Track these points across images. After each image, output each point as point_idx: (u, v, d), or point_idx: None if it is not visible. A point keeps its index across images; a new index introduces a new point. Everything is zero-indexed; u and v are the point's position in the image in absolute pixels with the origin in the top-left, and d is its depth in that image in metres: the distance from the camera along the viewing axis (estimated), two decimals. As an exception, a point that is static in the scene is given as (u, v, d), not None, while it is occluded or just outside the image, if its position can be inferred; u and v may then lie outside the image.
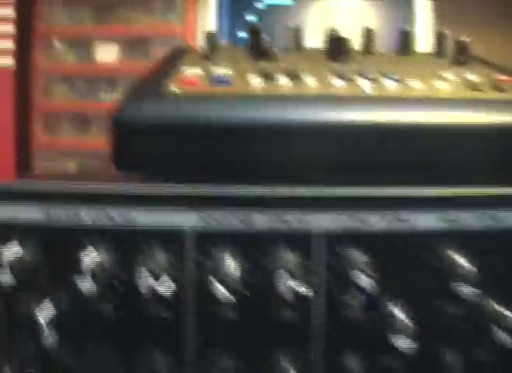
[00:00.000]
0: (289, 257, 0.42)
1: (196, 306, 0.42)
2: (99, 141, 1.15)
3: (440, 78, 0.58)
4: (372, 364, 0.43)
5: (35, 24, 1.17)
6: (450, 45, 0.71)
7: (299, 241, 0.42)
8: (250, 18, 1.29)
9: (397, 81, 0.56)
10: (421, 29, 1.20)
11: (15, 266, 0.41)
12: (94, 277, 0.40)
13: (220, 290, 0.39)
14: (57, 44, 1.13)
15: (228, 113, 0.49)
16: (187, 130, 0.48)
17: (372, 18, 1.33)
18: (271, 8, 1.33)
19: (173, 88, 0.51)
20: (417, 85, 0.54)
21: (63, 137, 1.16)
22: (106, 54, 1.11)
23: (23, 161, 1.14)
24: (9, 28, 1.13)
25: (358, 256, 0.42)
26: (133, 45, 1.11)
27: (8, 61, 1.10)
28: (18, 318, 0.43)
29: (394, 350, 0.41)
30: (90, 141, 1.14)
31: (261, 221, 0.42)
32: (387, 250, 0.43)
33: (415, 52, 0.73)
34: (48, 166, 1.16)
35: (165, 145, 0.48)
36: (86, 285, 0.40)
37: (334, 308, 0.42)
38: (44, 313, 0.42)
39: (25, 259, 0.42)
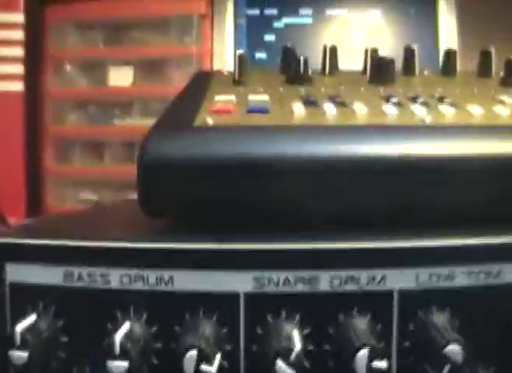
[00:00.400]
0: (361, 324, 0.34)
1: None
2: (113, 168, 1.07)
3: (498, 101, 0.50)
4: None
5: (45, 47, 1.10)
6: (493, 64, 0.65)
7: (376, 301, 0.35)
8: (269, 38, 1.23)
9: (453, 106, 0.48)
10: (444, 46, 1.14)
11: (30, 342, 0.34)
12: (126, 354, 0.32)
13: (280, 368, 0.32)
14: (68, 68, 1.06)
15: (270, 147, 0.41)
16: (225, 168, 0.41)
17: (392, 36, 1.27)
18: (290, 27, 1.26)
19: (206, 118, 0.44)
20: (477, 111, 0.47)
21: (75, 164, 1.09)
22: (120, 77, 1.05)
23: (34, 193, 1.07)
24: (18, 51, 1.07)
25: (441, 318, 0.34)
26: (148, 68, 1.04)
27: (17, 86, 1.03)
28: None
29: None
30: (104, 168, 1.07)
31: (327, 281, 0.35)
32: (472, 309, 0.35)
33: (458, 72, 0.67)
34: (61, 196, 1.09)
35: (201, 187, 0.40)
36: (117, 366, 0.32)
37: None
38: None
39: (41, 333, 0.35)
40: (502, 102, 0.52)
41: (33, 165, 1.13)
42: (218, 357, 0.33)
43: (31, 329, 0.35)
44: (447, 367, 0.33)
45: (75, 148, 1.12)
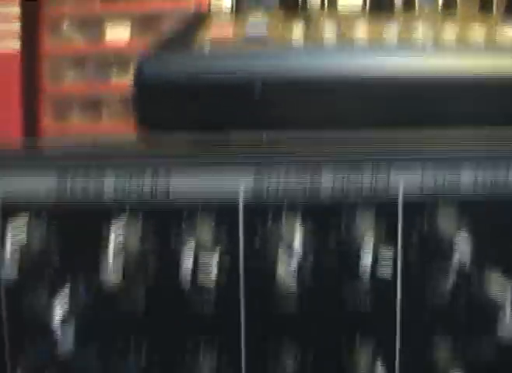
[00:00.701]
0: (368, 225, 0.33)
1: (250, 289, 0.34)
2: (111, 126, 1.06)
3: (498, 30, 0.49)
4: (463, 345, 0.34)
5: (41, 5, 1.08)
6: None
7: (382, 205, 0.33)
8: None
9: (454, 31, 0.47)
10: None
11: (25, 252, 0.33)
12: (124, 260, 0.31)
13: (284, 266, 0.30)
14: (65, 25, 1.04)
15: (268, 63, 0.40)
16: (224, 85, 0.39)
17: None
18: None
19: (204, 40, 0.42)
20: (477, 34, 0.46)
21: (73, 123, 1.07)
22: (118, 33, 1.02)
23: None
24: (15, 9, 1.04)
25: (450, 222, 0.33)
26: (145, 23, 1.02)
27: (14, 44, 1.01)
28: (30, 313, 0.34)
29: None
30: (102, 126, 1.05)
31: (330, 181, 0.33)
32: (483, 215, 0.34)
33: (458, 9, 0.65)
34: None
35: (198, 104, 0.39)
36: (114, 268, 0.31)
37: (419, 286, 0.34)
38: (60, 307, 0.32)
39: (34, 243, 0.33)
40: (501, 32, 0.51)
41: (31, 125, 1.11)
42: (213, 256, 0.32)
43: (23, 244, 0.33)
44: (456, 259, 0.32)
45: (73, 107, 1.11)
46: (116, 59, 1.08)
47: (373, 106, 0.39)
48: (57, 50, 1.11)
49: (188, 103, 0.39)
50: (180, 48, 0.42)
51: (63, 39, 1.10)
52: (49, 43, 1.11)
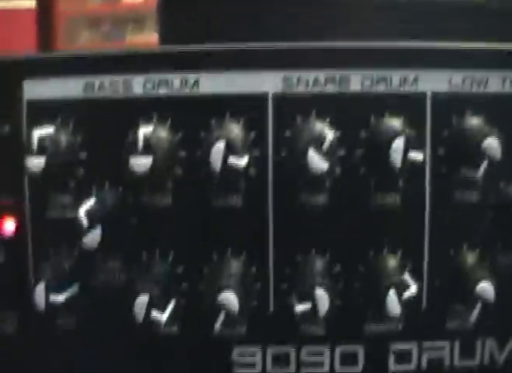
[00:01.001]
0: (394, 123, 0.32)
1: (280, 186, 0.33)
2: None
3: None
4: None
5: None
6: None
7: (408, 103, 0.33)
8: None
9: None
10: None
11: (53, 148, 0.32)
12: (150, 151, 0.31)
13: (313, 157, 0.30)
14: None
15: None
16: None
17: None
18: None
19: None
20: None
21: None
22: (133, -7, 1.02)
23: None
24: (30, -32, 1.04)
25: (479, 122, 0.32)
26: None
27: (29, 3, 1.01)
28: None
29: None
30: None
31: (357, 80, 0.33)
32: (507, 115, 0.33)
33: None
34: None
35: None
36: (142, 163, 0.31)
37: (448, 183, 0.33)
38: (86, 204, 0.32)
39: (60, 144, 0.33)
40: None
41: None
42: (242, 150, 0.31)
43: (49, 139, 0.33)
44: (484, 163, 0.31)
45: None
46: (131, 18, 1.08)
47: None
48: (72, 9, 1.11)
49: (213, 15, 0.39)
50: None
51: (79, -2, 1.10)
52: (64, 2, 1.11)
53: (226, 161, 0.31)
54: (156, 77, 0.34)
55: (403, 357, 0.35)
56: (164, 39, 0.40)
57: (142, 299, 0.32)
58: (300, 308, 0.32)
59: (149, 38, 1.03)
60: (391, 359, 0.35)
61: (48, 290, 0.34)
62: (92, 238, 0.33)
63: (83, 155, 0.35)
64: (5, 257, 0.36)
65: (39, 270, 0.35)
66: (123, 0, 1.03)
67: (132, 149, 0.32)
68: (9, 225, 0.36)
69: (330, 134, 0.31)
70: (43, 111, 0.34)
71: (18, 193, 0.35)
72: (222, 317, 0.32)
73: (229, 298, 0.31)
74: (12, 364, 0.37)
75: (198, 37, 0.37)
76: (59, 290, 0.33)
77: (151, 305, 0.32)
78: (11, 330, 0.37)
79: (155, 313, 0.32)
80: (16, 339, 0.36)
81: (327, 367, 0.35)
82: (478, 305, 0.32)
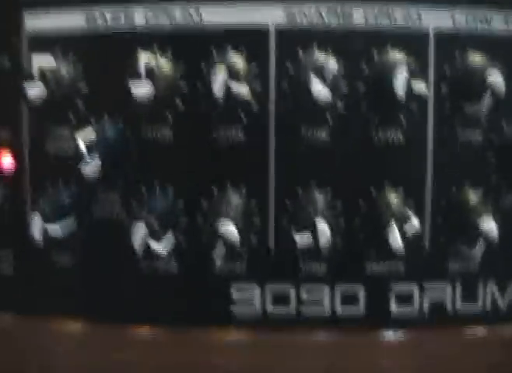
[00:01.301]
0: (397, 57, 0.32)
1: (282, 119, 0.33)
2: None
3: None
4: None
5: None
6: None
7: (410, 40, 0.32)
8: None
9: None
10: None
11: (53, 78, 0.32)
12: (153, 79, 0.30)
13: (316, 86, 0.30)
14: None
15: None
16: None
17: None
18: None
19: None
20: None
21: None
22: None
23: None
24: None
25: (482, 57, 0.32)
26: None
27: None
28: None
29: None
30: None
31: (361, 15, 0.32)
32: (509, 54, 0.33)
33: None
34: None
35: None
36: (143, 90, 0.30)
37: (451, 120, 0.33)
38: (86, 135, 0.32)
39: (60, 77, 0.32)
40: None
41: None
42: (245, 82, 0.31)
43: (49, 69, 0.32)
44: (488, 98, 0.31)
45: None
46: None
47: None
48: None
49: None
50: None
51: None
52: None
53: (229, 90, 0.31)
54: (158, 7, 0.34)
55: (404, 299, 0.35)
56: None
57: (140, 229, 0.31)
58: (300, 239, 0.31)
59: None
60: (392, 300, 0.35)
61: (44, 220, 0.33)
62: (91, 168, 0.32)
63: (83, 86, 0.34)
64: (2, 193, 0.36)
65: (36, 204, 0.34)
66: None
67: (133, 75, 0.31)
68: (7, 159, 0.36)
69: (333, 64, 0.31)
70: (44, 42, 0.34)
71: (16, 126, 0.35)
72: (221, 248, 0.31)
73: (229, 229, 0.31)
74: (9, 303, 0.36)
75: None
76: (55, 219, 0.33)
77: (149, 236, 0.31)
78: (8, 269, 0.36)
79: (153, 244, 0.31)
80: (13, 277, 0.36)
81: (327, 307, 0.35)
82: (481, 243, 0.32)
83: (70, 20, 0.34)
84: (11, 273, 0.36)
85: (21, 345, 0.37)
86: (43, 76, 0.32)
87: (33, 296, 0.36)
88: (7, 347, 0.37)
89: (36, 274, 0.36)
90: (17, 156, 0.36)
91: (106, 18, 0.34)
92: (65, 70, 0.34)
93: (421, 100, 0.32)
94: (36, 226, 0.33)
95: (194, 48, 0.34)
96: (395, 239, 0.31)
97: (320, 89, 0.31)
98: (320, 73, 0.31)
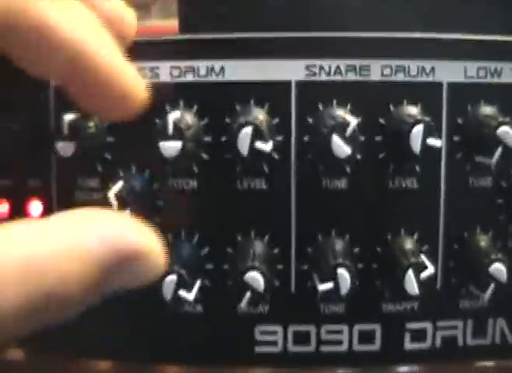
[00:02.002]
0: (412, 111, 0.34)
1: (303, 170, 0.35)
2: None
3: None
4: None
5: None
6: None
7: (424, 92, 0.34)
8: None
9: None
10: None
11: (81, 134, 0.33)
12: (181, 137, 0.32)
13: (336, 142, 0.31)
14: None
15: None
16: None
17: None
18: None
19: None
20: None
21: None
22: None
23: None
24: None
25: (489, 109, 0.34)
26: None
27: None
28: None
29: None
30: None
31: (378, 70, 0.34)
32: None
33: None
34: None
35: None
36: (171, 148, 0.32)
37: (463, 169, 0.35)
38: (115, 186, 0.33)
39: (87, 130, 0.34)
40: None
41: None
42: (268, 135, 0.32)
43: (78, 124, 0.34)
44: (499, 150, 0.33)
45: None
46: (137, 1, 1.08)
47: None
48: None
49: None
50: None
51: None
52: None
53: (253, 145, 0.33)
54: (183, 64, 0.35)
55: (418, 336, 0.37)
56: (184, 26, 0.41)
57: (170, 279, 0.33)
58: (323, 287, 0.33)
59: (156, 23, 1.03)
60: (407, 337, 0.37)
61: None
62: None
63: (111, 139, 0.36)
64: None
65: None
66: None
67: (161, 134, 0.33)
68: (36, 208, 0.38)
69: (353, 121, 0.33)
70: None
71: (45, 176, 0.36)
72: (247, 296, 0.33)
73: (255, 278, 0.33)
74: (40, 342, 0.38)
75: (218, 25, 0.38)
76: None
77: (178, 285, 0.33)
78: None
79: (182, 292, 0.33)
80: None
81: (345, 345, 0.37)
82: (491, 286, 0.34)
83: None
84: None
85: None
86: (72, 131, 0.34)
87: (61, 336, 0.38)
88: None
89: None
90: (46, 205, 0.37)
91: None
92: (93, 123, 0.35)
93: (435, 151, 0.34)
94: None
95: (218, 103, 0.35)
96: (411, 284, 0.34)
97: (340, 145, 0.33)
98: (341, 129, 0.33)
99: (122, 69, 0.26)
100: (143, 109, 0.31)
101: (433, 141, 0.33)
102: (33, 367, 0.39)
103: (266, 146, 0.33)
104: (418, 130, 0.33)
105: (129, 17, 0.31)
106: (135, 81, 0.26)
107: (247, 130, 0.33)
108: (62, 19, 0.24)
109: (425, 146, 0.33)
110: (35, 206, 0.38)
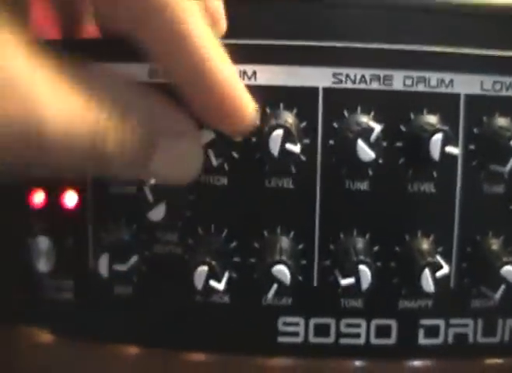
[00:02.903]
0: (432, 120, 0.37)
1: (327, 172, 0.38)
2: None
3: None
4: None
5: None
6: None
7: (444, 102, 0.37)
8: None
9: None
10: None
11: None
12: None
13: (361, 147, 0.35)
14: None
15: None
16: None
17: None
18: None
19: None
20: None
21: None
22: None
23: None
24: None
25: (503, 122, 0.37)
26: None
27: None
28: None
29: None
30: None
31: (401, 80, 0.37)
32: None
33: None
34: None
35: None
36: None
37: (478, 176, 0.38)
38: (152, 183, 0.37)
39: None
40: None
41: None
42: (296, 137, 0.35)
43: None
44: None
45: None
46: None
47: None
48: None
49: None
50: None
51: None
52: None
53: (283, 147, 0.36)
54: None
55: (431, 332, 0.40)
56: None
57: (202, 269, 0.36)
58: (345, 282, 0.36)
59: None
60: (421, 333, 0.40)
61: (111, 260, 0.38)
62: (157, 213, 0.37)
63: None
64: (66, 229, 0.40)
65: (100, 242, 0.39)
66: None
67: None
68: (71, 198, 0.41)
69: (377, 127, 0.36)
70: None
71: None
72: (274, 288, 0.36)
73: (282, 271, 0.36)
74: (68, 328, 0.41)
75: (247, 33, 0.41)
76: (122, 260, 0.38)
77: (209, 276, 0.36)
78: (70, 297, 0.41)
79: (212, 282, 0.36)
80: (75, 304, 0.41)
81: (363, 339, 0.40)
82: (502, 287, 0.37)
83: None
84: (72, 301, 0.41)
85: (77, 370, 0.42)
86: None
87: (92, 322, 0.41)
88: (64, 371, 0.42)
89: (97, 303, 0.41)
90: (82, 196, 0.40)
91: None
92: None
93: (452, 159, 0.37)
94: (103, 266, 0.38)
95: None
96: (427, 282, 0.37)
97: (365, 150, 0.36)
98: (366, 134, 0.36)
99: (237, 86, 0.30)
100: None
101: (452, 149, 0.36)
102: (62, 351, 0.42)
103: (296, 148, 0.36)
104: (437, 138, 0.36)
105: (224, 19, 0.35)
106: (245, 99, 0.30)
107: (279, 132, 0.36)
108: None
109: (443, 153, 0.36)
110: (70, 196, 0.41)
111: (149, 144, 0.29)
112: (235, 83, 0.31)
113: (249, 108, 0.32)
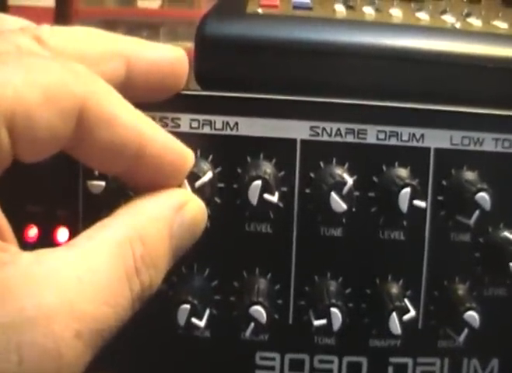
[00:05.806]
0: (402, 173, 0.42)
1: (303, 218, 0.43)
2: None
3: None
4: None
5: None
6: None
7: (415, 156, 0.43)
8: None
9: (479, 19, 0.56)
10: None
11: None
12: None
13: (334, 199, 0.40)
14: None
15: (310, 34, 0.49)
16: (270, 48, 0.48)
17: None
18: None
19: (256, 9, 0.52)
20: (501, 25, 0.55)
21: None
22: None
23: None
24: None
25: (470, 175, 0.43)
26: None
27: (48, 2, 1.11)
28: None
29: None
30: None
31: (374, 134, 0.43)
32: (498, 170, 0.43)
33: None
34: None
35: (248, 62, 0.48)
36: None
37: (445, 226, 0.43)
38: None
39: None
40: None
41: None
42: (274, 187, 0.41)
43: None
44: (476, 213, 0.42)
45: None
46: (147, 25, 1.18)
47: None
48: (89, 11, 1.21)
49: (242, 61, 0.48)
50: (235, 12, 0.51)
51: (95, 0, 1.20)
52: (82, 4, 1.21)
53: (261, 196, 0.41)
54: (201, 117, 0.44)
55: (400, 370, 0.46)
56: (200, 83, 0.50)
57: (184, 307, 0.42)
58: (318, 323, 0.42)
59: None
60: (390, 370, 0.46)
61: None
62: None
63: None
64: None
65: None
66: (138, 5, 1.13)
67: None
68: (63, 234, 0.46)
69: (350, 180, 0.41)
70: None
71: (73, 206, 0.45)
72: (251, 326, 0.42)
73: (259, 311, 0.42)
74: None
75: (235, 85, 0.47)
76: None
77: (191, 313, 0.42)
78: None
79: (194, 319, 0.42)
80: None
81: (335, 373, 0.46)
82: (465, 330, 0.42)
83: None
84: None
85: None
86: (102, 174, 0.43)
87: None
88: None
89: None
90: (72, 232, 0.46)
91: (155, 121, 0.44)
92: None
93: (420, 210, 0.42)
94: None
95: (231, 154, 0.44)
96: (395, 326, 0.42)
97: (337, 201, 0.41)
98: (338, 187, 0.41)
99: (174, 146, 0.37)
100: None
101: (419, 203, 0.42)
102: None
103: (273, 198, 0.41)
104: (406, 192, 0.41)
105: (180, 67, 0.41)
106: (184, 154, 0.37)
107: (257, 183, 0.41)
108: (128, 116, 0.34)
109: (411, 206, 0.41)
110: (62, 233, 0.47)
111: None
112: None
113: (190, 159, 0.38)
